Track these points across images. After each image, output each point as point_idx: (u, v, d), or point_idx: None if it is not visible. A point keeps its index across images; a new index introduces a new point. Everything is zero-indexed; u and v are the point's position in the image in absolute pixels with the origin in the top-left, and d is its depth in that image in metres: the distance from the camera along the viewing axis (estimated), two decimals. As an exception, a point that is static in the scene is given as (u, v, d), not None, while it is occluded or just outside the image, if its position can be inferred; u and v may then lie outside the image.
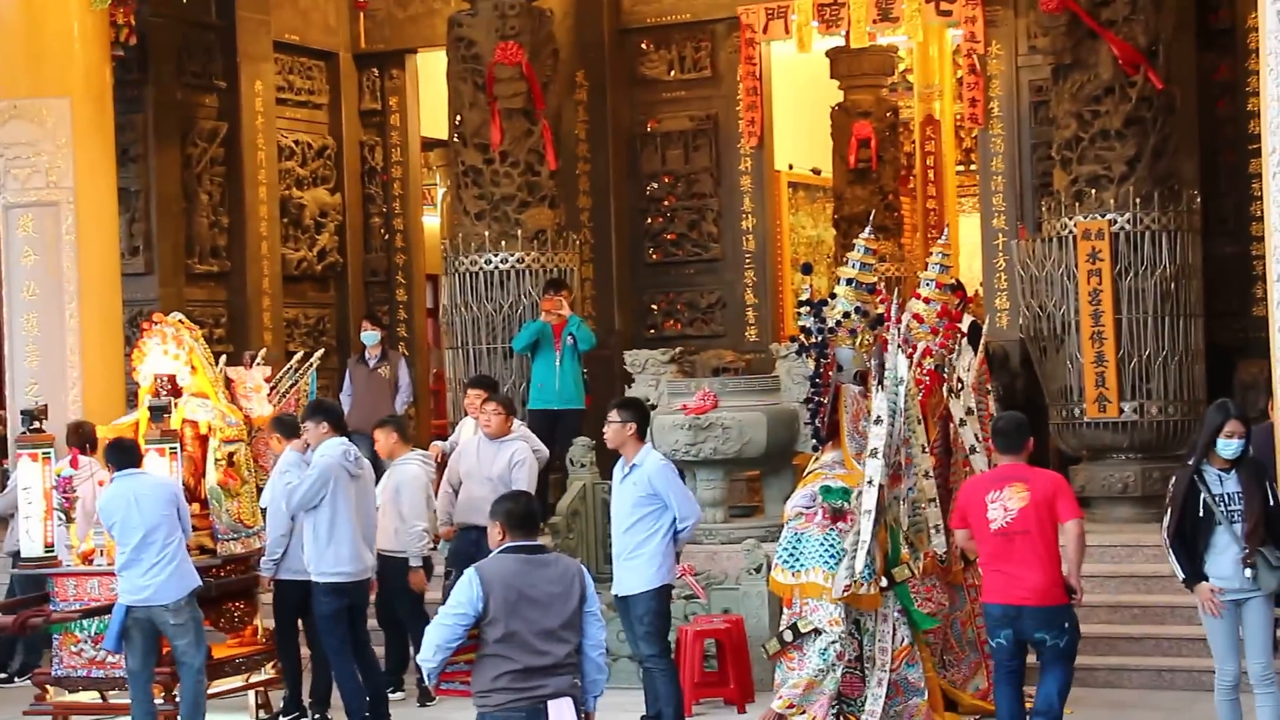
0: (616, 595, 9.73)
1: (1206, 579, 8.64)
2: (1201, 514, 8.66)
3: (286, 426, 11.09)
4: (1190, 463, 8.80)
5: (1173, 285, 13.06)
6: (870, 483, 8.43)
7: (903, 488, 8.91)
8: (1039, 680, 8.85)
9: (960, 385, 10.20)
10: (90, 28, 13.15)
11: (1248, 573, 8.57)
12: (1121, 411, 13.05)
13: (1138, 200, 12.98)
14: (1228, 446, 8.64)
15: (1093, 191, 13.13)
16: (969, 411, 10.07)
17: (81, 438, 11.64)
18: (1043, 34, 14.17)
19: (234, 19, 15.93)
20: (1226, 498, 8.63)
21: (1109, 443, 13.15)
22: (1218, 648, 8.81)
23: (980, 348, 10.56)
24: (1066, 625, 8.71)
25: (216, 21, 15.88)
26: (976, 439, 9.91)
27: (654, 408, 12.72)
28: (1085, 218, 13.07)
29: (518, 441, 11.52)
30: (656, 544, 9.53)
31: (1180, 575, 8.75)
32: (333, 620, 10.42)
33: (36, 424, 11.11)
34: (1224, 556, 8.62)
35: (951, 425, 10.13)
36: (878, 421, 8.54)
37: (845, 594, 8.51)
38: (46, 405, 11.60)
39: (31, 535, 10.83)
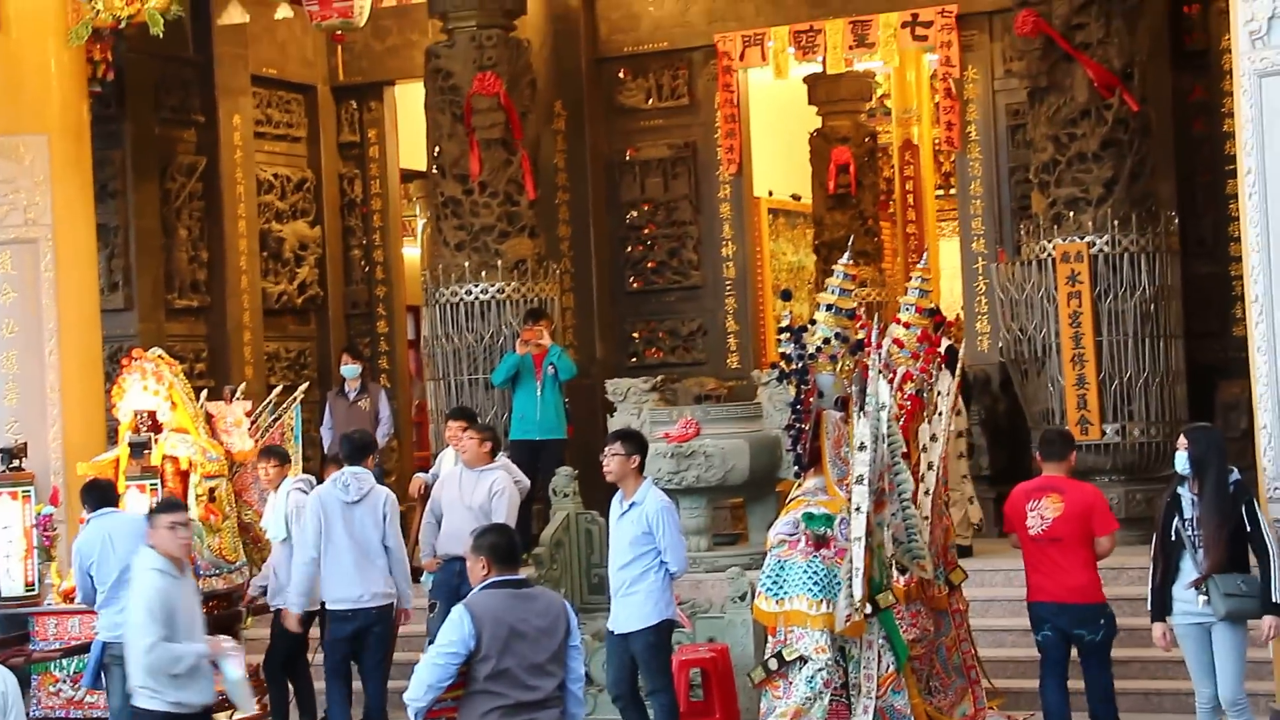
0: (612, 631, 9.66)
1: (1168, 613, 8.90)
2: (1173, 538, 8.77)
3: (280, 455, 11.15)
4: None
5: (1152, 306, 13.09)
6: (858, 509, 8.41)
7: (886, 513, 8.89)
8: (1085, 684, 9.62)
9: (936, 410, 10.20)
10: (67, 64, 13.12)
11: (1200, 599, 8.66)
12: (1103, 434, 13.06)
13: (1116, 222, 13.01)
14: (1177, 459, 8.78)
15: (1071, 214, 13.15)
16: (932, 438, 10.07)
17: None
18: (1018, 58, 14.19)
19: (211, 54, 15.91)
20: (1195, 522, 8.71)
21: (1091, 465, 13.13)
22: (1192, 671, 8.98)
23: (957, 372, 10.55)
24: (1103, 621, 9.41)
25: (194, 56, 15.87)
26: (930, 466, 9.90)
27: (636, 437, 12.70)
28: (1064, 240, 13.10)
29: (498, 471, 11.50)
30: (653, 580, 9.48)
31: (1148, 606, 9.03)
32: (331, 645, 10.56)
33: (16, 462, 11.07)
34: (1184, 581, 8.74)
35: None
36: (861, 448, 8.52)
37: (848, 624, 8.49)
38: (26, 443, 11.56)
39: (12, 574, 10.78)
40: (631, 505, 9.54)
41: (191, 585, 8.20)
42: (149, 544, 8.01)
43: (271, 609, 11.23)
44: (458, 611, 6.62)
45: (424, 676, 6.58)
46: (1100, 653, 9.52)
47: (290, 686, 11.24)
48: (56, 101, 13.10)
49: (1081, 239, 13.03)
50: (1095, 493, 9.73)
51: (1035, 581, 9.58)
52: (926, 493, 9.71)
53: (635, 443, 9.75)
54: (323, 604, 10.72)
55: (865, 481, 8.45)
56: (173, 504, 8.36)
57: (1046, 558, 9.47)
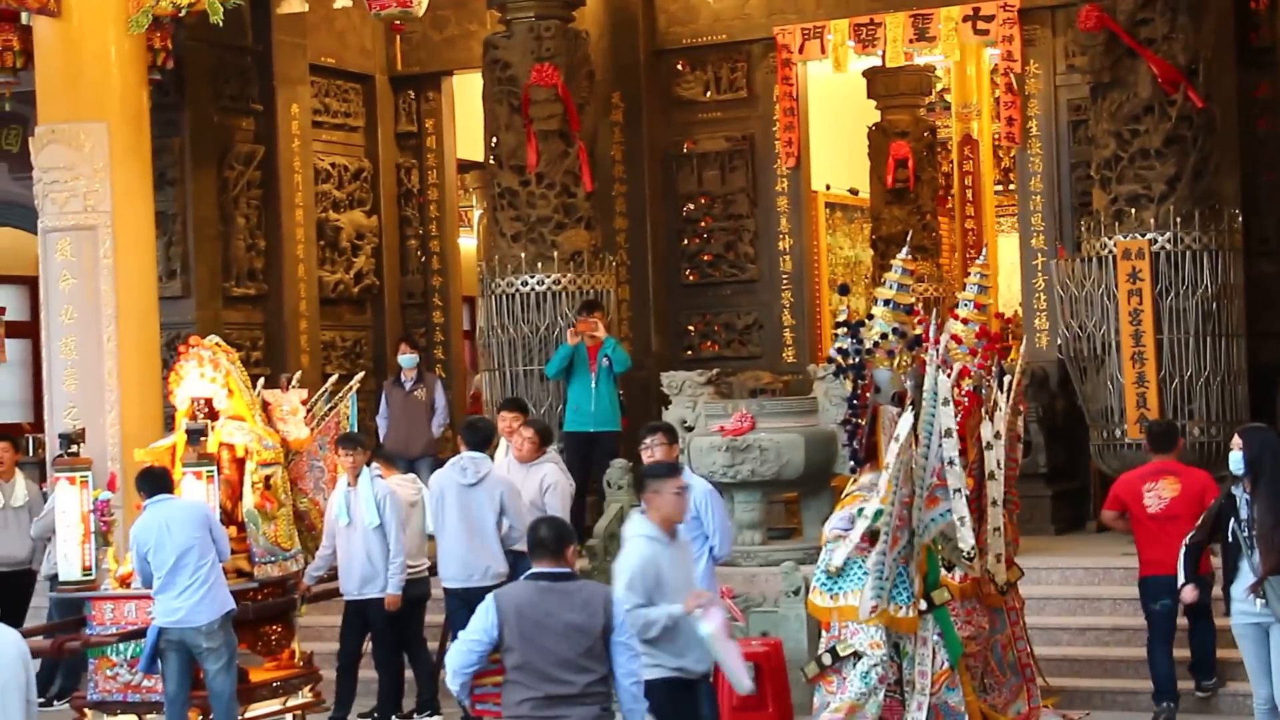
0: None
1: (1226, 613, 9.06)
2: (1230, 539, 8.70)
3: (360, 442, 11.32)
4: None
5: (1214, 305, 12.96)
6: (877, 493, 8.40)
7: (939, 509, 8.83)
8: (1192, 642, 10.80)
9: (996, 408, 10.11)
10: (127, 52, 13.18)
11: (1258, 602, 8.59)
12: (1163, 432, 12.92)
13: (1178, 219, 12.88)
14: (1234, 461, 8.71)
15: (1132, 211, 13.03)
16: (996, 435, 9.98)
17: None
18: (1081, 53, 14.09)
19: (270, 42, 15.95)
20: (1249, 523, 8.64)
21: (1151, 463, 13.03)
22: (1250, 671, 8.93)
23: (1017, 369, 10.47)
24: (1208, 588, 10.13)
25: (253, 45, 15.92)
26: (998, 465, 9.80)
27: (691, 429, 12.69)
28: (1125, 237, 12.98)
29: (548, 464, 11.52)
30: (703, 567, 9.51)
31: (1181, 579, 9.22)
32: (450, 621, 11.03)
33: (74, 447, 11.12)
34: (1242, 583, 8.67)
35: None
36: (894, 439, 8.50)
37: (872, 615, 8.47)
38: (84, 429, 11.62)
39: (69, 559, 10.83)
40: None
41: (683, 548, 7.99)
42: (642, 511, 7.79)
43: (349, 598, 11.28)
44: (487, 601, 6.74)
45: (451, 662, 6.74)
46: (1206, 612, 10.44)
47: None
48: (116, 89, 13.17)
49: (1143, 236, 12.91)
50: (1208, 476, 10.83)
51: (1150, 557, 10.54)
52: (995, 503, 9.60)
53: (674, 434, 9.99)
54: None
55: (889, 469, 8.40)
56: (673, 468, 8.07)
57: (1163, 534, 10.32)
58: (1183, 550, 9.13)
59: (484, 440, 11.20)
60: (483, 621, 6.62)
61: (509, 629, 6.56)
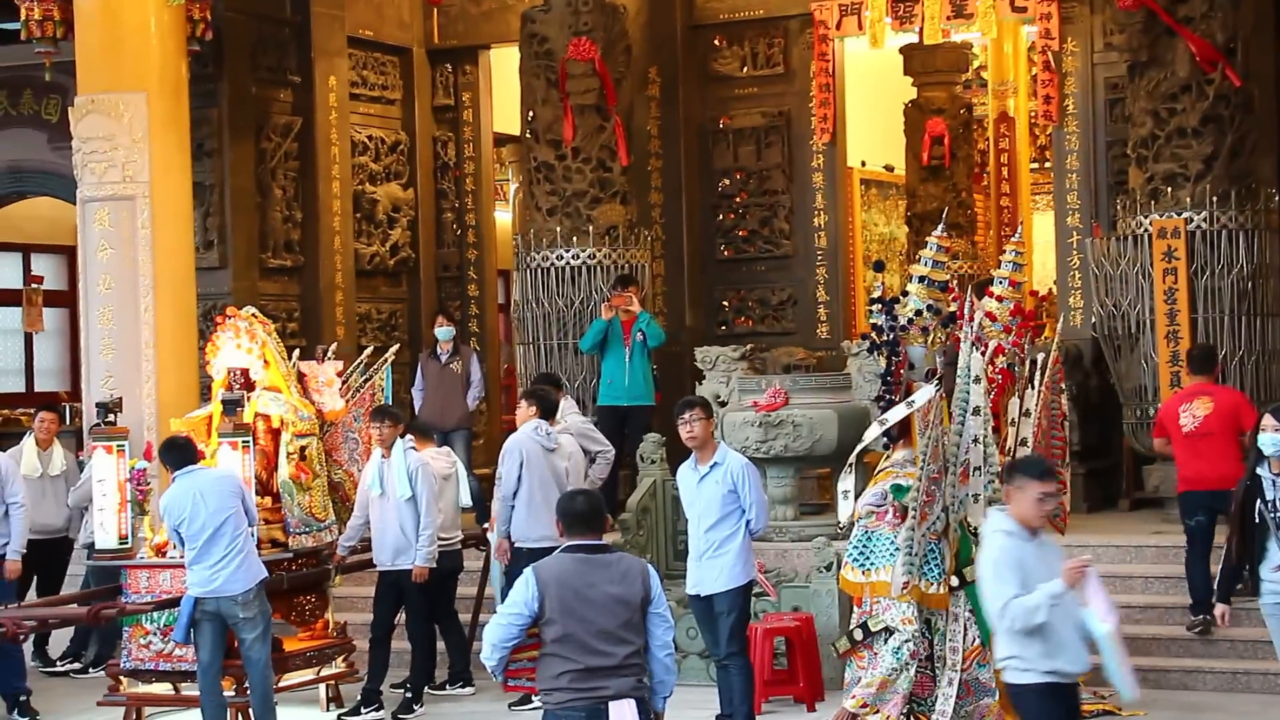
0: (697, 594, 9.69)
1: (1256, 593, 8.87)
2: (1257, 520, 8.67)
3: (393, 415, 11.30)
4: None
5: (1249, 284, 12.94)
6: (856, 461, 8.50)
7: (972, 485, 8.86)
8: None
9: (1028, 384, 10.14)
10: (167, 23, 13.25)
11: None
12: (1197, 411, 12.90)
13: (1214, 199, 12.85)
14: (1269, 443, 8.63)
15: (1168, 190, 13.01)
16: (1026, 413, 10.00)
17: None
18: (1119, 31, 14.04)
19: (308, 14, 15.99)
20: (1276, 503, 8.60)
21: (1184, 442, 13.02)
22: (1278, 648, 8.84)
23: (1054, 347, 10.49)
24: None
25: (291, 17, 15.95)
26: (1023, 443, 9.82)
27: (724, 404, 12.71)
28: (1161, 216, 12.96)
29: (564, 436, 11.56)
30: (740, 542, 9.55)
31: (1217, 592, 9.10)
32: None
33: (111, 416, 11.19)
34: (1271, 562, 8.65)
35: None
36: (908, 404, 8.59)
37: (904, 591, 8.51)
38: (121, 398, 11.69)
39: (106, 527, 10.91)
40: (714, 466, 9.62)
41: (1046, 547, 7.16)
42: (1003, 506, 7.22)
43: (382, 569, 11.30)
44: (526, 574, 6.68)
45: (490, 636, 6.67)
46: None
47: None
48: (156, 60, 13.24)
49: (1179, 215, 12.89)
50: (1241, 394, 11.39)
51: (1187, 474, 11.01)
52: None
53: (710, 408, 9.99)
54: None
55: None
56: (1043, 468, 7.25)
57: (1198, 452, 10.87)
58: (1226, 553, 8.98)
59: (552, 409, 11.48)
60: (523, 594, 6.58)
61: (550, 601, 6.54)
